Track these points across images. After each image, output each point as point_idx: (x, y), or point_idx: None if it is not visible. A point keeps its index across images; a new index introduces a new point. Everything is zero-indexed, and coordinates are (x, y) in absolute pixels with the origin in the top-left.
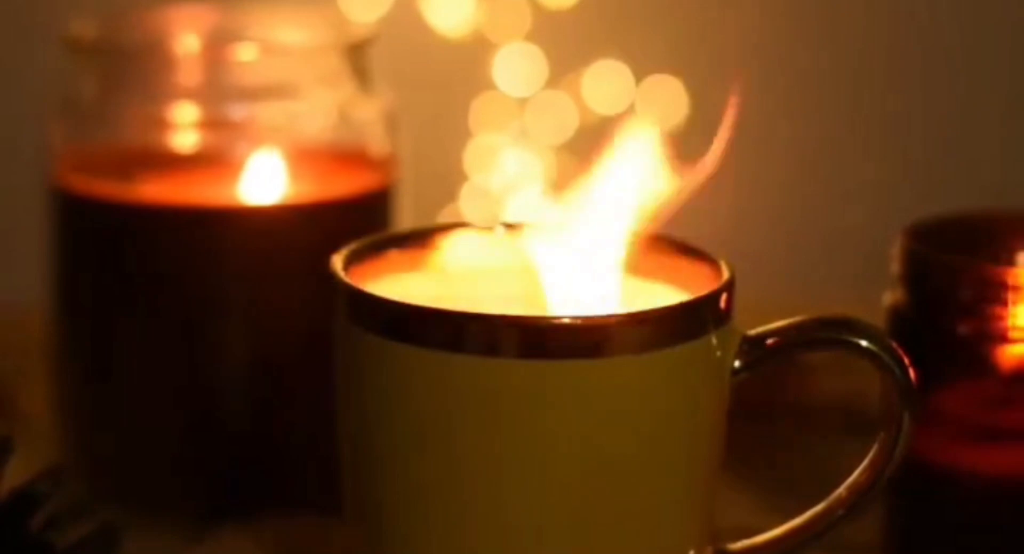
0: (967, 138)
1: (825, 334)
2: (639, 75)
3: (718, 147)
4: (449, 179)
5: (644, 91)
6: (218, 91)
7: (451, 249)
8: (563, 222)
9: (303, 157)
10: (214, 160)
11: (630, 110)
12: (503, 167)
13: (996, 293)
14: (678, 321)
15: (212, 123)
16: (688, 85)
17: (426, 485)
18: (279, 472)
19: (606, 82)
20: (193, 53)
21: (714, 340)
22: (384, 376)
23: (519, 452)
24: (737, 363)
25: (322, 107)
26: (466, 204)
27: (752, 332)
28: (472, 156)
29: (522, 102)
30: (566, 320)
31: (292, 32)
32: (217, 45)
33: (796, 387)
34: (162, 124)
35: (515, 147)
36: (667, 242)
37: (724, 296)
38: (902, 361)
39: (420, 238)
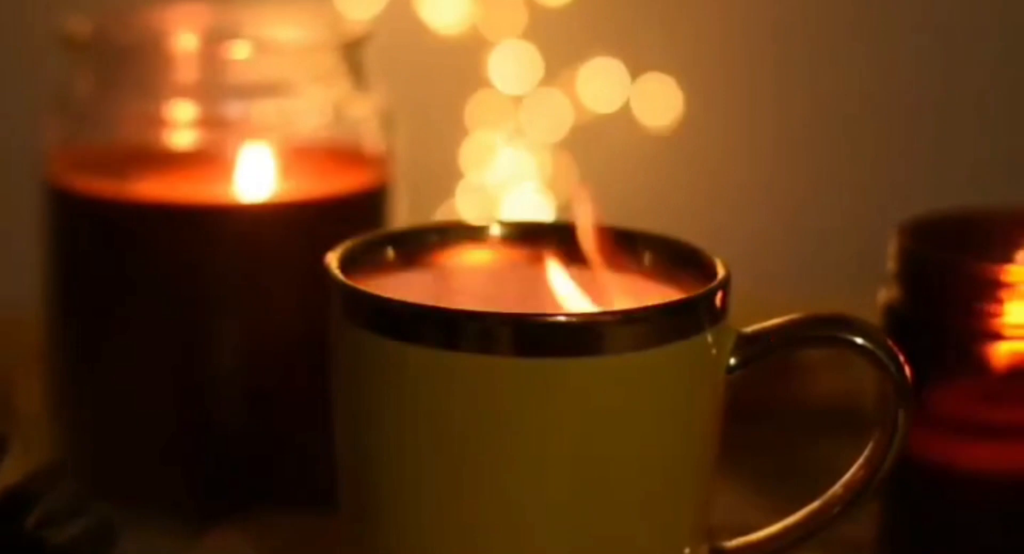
0: (963, 136)
1: (820, 332)
2: (634, 73)
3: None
4: (445, 177)
5: (639, 89)
6: (213, 89)
7: (447, 246)
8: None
9: (298, 155)
10: (210, 158)
11: (625, 107)
12: (498, 164)
13: (991, 290)
14: (674, 319)
15: (207, 121)
16: (682, 83)
17: (421, 482)
18: (275, 470)
19: (601, 80)
20: (189, 51)
21: (709, 338)
22: (380, 374)
23: (514, 449)
24: (732, 361)
25: (317, 105)
26: (462, 201)
27: (748, 330)
28: (468, 153)
29: (517, 100)
30: (562, 318)
31: (287, 30)
32: (212, 43)
33: (792, 385)
34: (158, 122)
35: (510, 145)
36: (662, 240)
37: (719, 294)
38: (898, 358)
39: (416, 236)
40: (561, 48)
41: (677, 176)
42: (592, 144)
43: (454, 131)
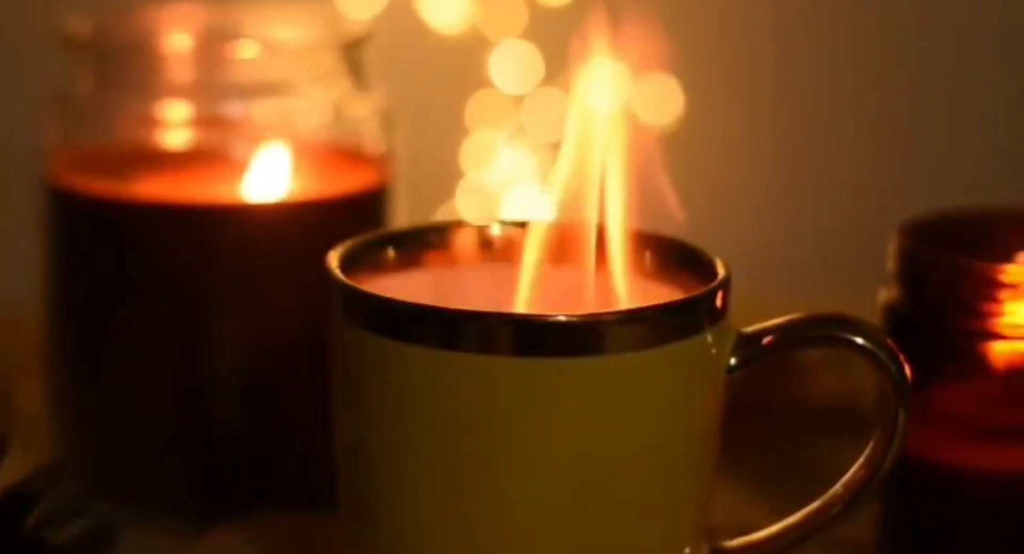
0: (963, 136)
1: (821, 332)
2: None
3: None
4: (445, 176)
5: (639, 89)
6: (213, 89)
7: (447, 246)
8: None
9: (299, 155)
10: (209, 158)
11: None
12: (499, 164)
13: (991, 290)
14: (674, 319)
15: (207, 121)
16: (683, 83)
17: (421, 482)
18: (275, 470)
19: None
20: (188, 51)
21: (710, 338)
22: (380, 374)
23: (514, 449)
24: (733, 361)
25: (318, 105)
26: (462, 201)
27: (748, 330)
28: (468, 153)
29: (518, 99)
30: (562, 318)
31: (287, 30)
32: (212, 43)
33: (792, 385)
34: (157, 122)
35: (511, 144)
36: (662, 240)
37: (719, 294)
38: (897, 358)
39: (416, 235)
40: (561, 48)
41: (677, 176)
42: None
43: (454, 131)
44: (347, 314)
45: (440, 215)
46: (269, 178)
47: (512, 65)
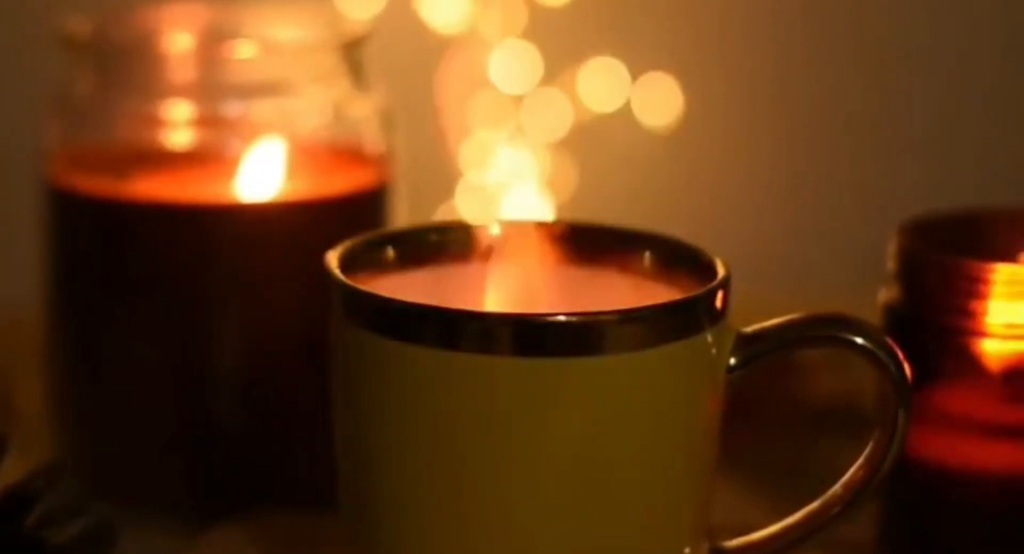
0: (963, 136)
1: (820, 331)
2: (634, 72)
3: None
4: (444, 176)
5: (639, 88)
6: (213, 88)
7: (447, 246)
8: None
9: (298, 154)
10: (209, 158)
11: (625, 107)
12: (499, 164)
13: (991, 290)
14: (673, 319)
15: (207, 120)
16: (683, 82)
17: (421, 483)
18: (275, 470)
19: (601, 79)
20: (188, 50)
21: (709, 338)
22: (379, 374)
23: (514, 449)
24: (732, 361)
25: (317, 104)
26: (462, 201)
27: (747, 330)
28: (468, 153)
29: (517, 99)
30: (561, 318)
31: (287, 29)
32: (212, 42)
33: (792, 385)
34: (157, 121)
35: (510, 144)
36: (662, 240)
37: (719, 294)
38: (897, 358)
39: (416, 236)
40: (561, 48)
41: (677, 176)
42: (592, 144)
43: (454, 131)
44: (347, 314)
45: (440, 215)
46: (269, 178)
47: (512, 65)
